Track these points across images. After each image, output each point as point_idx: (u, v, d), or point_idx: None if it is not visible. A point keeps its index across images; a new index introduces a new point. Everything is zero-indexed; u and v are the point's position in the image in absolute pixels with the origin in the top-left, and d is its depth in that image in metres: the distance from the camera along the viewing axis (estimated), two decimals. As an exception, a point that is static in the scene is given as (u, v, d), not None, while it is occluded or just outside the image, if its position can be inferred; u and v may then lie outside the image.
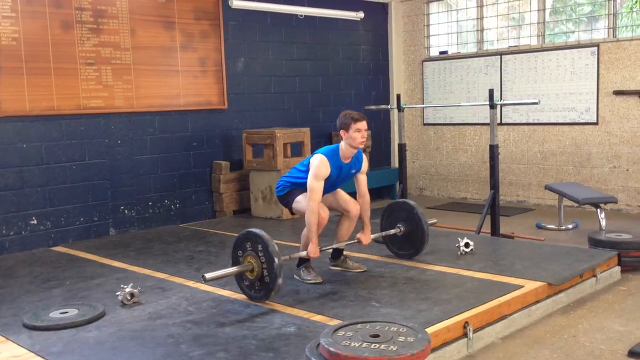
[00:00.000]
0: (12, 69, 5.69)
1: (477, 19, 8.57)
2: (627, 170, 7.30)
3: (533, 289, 4.04)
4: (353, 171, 4.41)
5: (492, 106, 5.82)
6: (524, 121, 8.07)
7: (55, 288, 4.48)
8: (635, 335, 3.60)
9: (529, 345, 3.55)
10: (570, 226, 6.53)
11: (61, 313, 3.78)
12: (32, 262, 5.32)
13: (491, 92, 5.86)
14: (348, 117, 4.24)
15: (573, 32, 8.04)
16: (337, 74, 8.50)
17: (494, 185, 5.83)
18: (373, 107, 7.51)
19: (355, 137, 4.22)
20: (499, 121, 7.79)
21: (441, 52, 8.94)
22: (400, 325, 2.95)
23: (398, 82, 9.17)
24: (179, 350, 3.24)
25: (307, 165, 4.28)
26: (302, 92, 8.04)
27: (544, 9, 7.99)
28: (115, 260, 5.23)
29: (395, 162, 9.02)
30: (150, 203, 6.69)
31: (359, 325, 2.98)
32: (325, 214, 4.21)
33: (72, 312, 3.78)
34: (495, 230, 5.83)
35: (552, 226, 6.55)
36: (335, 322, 3.45)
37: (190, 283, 4.48)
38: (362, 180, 4.49)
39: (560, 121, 7.75)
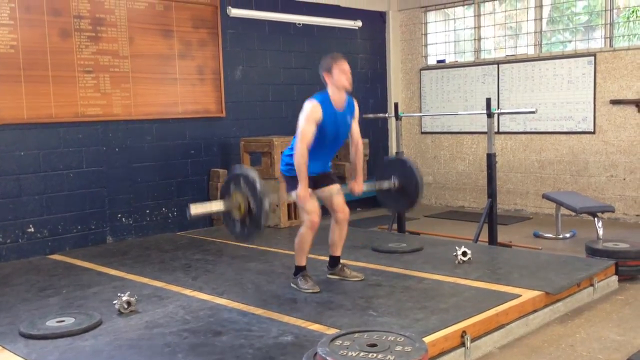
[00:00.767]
0: (10, 76, 5.69)
1: (475, 28, 8.60)
2: (624, 179, 7.32)
3: (530, 298, 4.04)
4: (349, 118, 4.36)
5: (490, 115, 5.83)
6: (521, 130, 8.09)
7: (52, 296, 4.46)
8: (632, 345, 3.59)
9: (526, 354, 3.54)
10: (567, 235, 6.53)
11: (58, 322, 3.76)
12: (29, 270, 5.30)
13: (488, 101, 5.88)
14: (329, 59, 4.24)
15: (570, 41, 8.08)
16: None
17: (492, 193, 5.84)
18: (371, 115, 7.52)
19: (340, 77, 4.20)
20: (496, 130, 7.80)
21: (439, 61, 8.97)
22: (398, 335, 2.95)
23: (396, 91, 9.20)
24: (176, 360, 3.23)
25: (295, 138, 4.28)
26: (300, 101, 7.90)
27: (541, 19, 8.03)
28: (112, 269, 5.22)
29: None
30: (147, 211, 6.69)
31: (356, 335, 2.97)
32: (319, 218, 4.21)
33: (68, 321, 3.76)
34: (492, 239, 5.83)
35: (550, 235, 6.56)
36: (332, 331, 3.43)
37: (188, 291, 4.47)
38: (354, 127, 4.44)
39: (557, 130, 7.77)
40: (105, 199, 6.36)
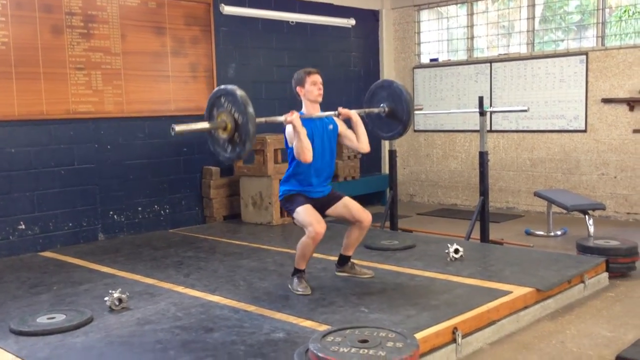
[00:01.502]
0: (1, 73, 5.66)
1: (468, 26, 8.62)
2: (615, 177, 7.35)
3: (521, 294, 4.06)
4: (330, 127, 4.34)
5: (482, 113, 5.86)
6: (513, 128, 8.11)
7: (43, 293, 4.44)
8: (622, 341, 3.62)
9: (517, 350, 3.56)
10: (559, 232, 6.56)
11: (48, 318, 3.75)
12: (20, 268, 5.28)
13: (481, 99, 5.90)
14: (301, 72, 4.25)
15: (562, 40, 8.11)
16: (328, 80, 8.40)
17: (484, 191, 5.86)
18: (363, 113, 7.51)
19: (312, 90, 4.22)
20: (488, 128, 7.80)
21: (432, 60, 8.99)
22: (389, 331, 2.96)
23: (389, 89, 9.19)
24: (167, 356, 3.23)
25: (290, 152, 4.23)
26: (293, 99, 7.93)
27: (534, 18, 8.06)
28: (104, 266, 5.20)
29: (385, 169, 9.02)
30: (139, 208, 6.67)
31: (347, 331, 2.98)
32: (322, 229, 4.07)
33: (59, 318, 3.75)
34: (484, 237, 5.85)
35: (541, 232, 6.59)
36: (324, 328, 3.44)
37: (179, 288, 4.46)
38: (349, 131, 4.42)
39: (549, 128, 7.81)
40: (96, 196, 6.34)
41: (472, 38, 8.63)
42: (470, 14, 8.57)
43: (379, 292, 4.21)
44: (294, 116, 4.06)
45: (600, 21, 7.46)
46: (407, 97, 4.80)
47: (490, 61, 8.28)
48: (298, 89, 4.29)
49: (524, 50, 8.12)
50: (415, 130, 9.12)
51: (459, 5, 8.72)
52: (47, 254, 5.81)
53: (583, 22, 8.03)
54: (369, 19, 9.06)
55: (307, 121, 4.20)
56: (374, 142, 9.15)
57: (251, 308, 3.96)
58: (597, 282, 4.69)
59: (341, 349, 2.75)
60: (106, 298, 4.01)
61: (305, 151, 4.01)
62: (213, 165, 7.20)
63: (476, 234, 5.87)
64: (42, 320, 3.73)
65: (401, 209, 7.45)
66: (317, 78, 4.26)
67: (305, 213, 4.14)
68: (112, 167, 6.45)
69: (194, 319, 3.78)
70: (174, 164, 6.96)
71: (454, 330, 3.49)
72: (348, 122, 4.46)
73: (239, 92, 3.78)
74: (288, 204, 4.29)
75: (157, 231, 6.72)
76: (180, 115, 6.94)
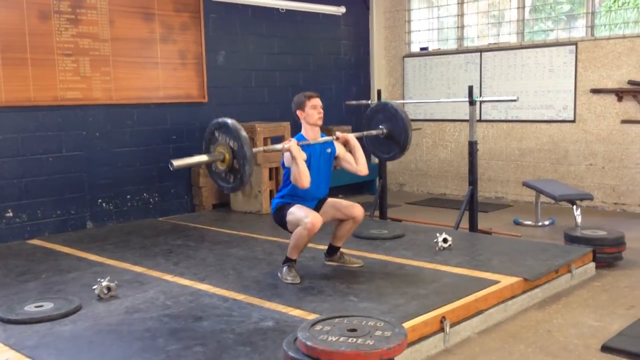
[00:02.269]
0: (-12, 59, 5.60)
1: (458, 15, 8.61)
2: (603, 168, 7.40)
3: (509, 284, 4.09)
4: (329, 150, 4.37)
5: (472, 103, 5.86)
6: (502, 118, 8.14)
7: (31, 281, 4.42)
8: (608, 331, 3.66)
9: (504, 340, 3.59)
10: (546, 222, 6.61)
11: (36, 307, 3.73)
12: (8, 255, 5.24)
13: (470, 88, 5.90)
14: (302, 96, 4.30)
15: (552, 30, 8.12)
16: (317, 68, 8.49)
17: (473, 181, 5.87)
18: (354, 102, 7.52)
19: (312, 113, 4.24)
20: (478, 118, 7.83)
21: (422, 48, 8.97)
22: (378, 320, 2.97)
23: (379, 78, 9.19)
24: (156, 345, 3.22)
25: (286, 172, 4.26)
26: (282, 87, 8.02)
27: (524, 7, 8.06)
28: (92, 254, 5.18)
29: (375, 158, 9.03)
30: (128, 196, 6.64)
31: (336, 320, 2.99)
32: (319, 222, 4.09)
33: (47, 306, 3.74)
34: (473, 226, 5.88)
35: (529, 222, 6.63)
36: (313, 317, 3.45)
37: (168, 277, 4.45)
38: (348, 154, 4.45)
39: (538, 119, 7.83)
40: (85, 184, 6.30)
41: (462, 27, 8.62)
42: (461, 3, 8.55)
43: (367, 281, 4.22)
44: (291, 143, 4.09)
45: (590, 11, 7.48)
46: (403, 117, 4.84)
47: (480, 50, 8.28)
48: (298, 112, 4.31)
49: (513, 39, 8.13)
50: (405, 119, 9.10)
51: (449, -6, 8.69)
52: (35, 241, 5.78)
53: (573, 12, 8.04)
54: (360, 7, 9.03)
55: (306, 147, 4.23)
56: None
57: (240, 297, 3.96)
58: (584, 272, 4.73)
59: (330, 338, 2.76)
60: (95, 286, 3.99)
61: (303, 177, 4.05)
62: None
63: (465, 223, 5.89)
64: (30, 308, 3.72)
65: (390, 198, 7.46)
66: (317, 102, 4.28)
67: (296, 210, 4.16)
68: (101, 155, 6.41)
69: (182, 307, 3.78)
70: (163, 151, 6.92)
71: (442, 319, 3.51)
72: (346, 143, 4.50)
73: (231, 122, 3.90)
74: (280, 213, 4.28)
75: (146, 219, 6.70)
76: (169, 102, 6.90)
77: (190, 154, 7.03)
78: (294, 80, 8.16)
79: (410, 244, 5.24)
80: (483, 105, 8.16)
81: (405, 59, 9.03)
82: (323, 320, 3.00)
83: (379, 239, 5.43)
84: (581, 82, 7.46)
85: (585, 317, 3.92)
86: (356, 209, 4.34)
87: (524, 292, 4.16)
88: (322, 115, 4.29)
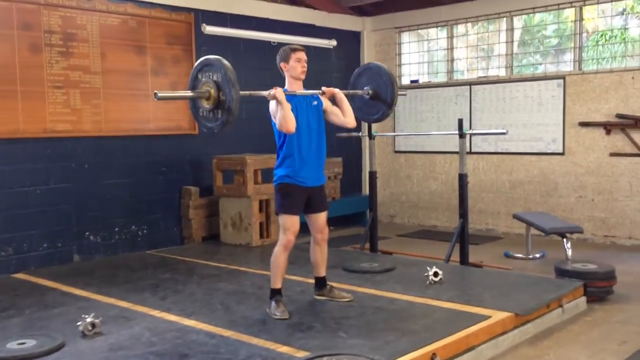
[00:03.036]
0: (-23, 91, 5.58)
1: (448, 49, 8.71)
2: (593, 200, 7.42)
3: (500, 319, 4.04)
4: (315, 103, 4.33)
5: (462, 135, 5.88)
6: (492, 150, 8.17)
7: (14, 317, 4.33)
8: (600, 367, 3.61)
9: (496, 377, 3.54)
10: (537, 255, 6.59)
11: (19, 344, 3.65)
12: (-8, 290, 5.16)
13: (460, 121, 5.93)
14: (287, 49, 4.28)
15: (540, 64, 8.21)
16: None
17: (463, 214, 5.86)
18: (344, 134, 7.52)
19: (295, 66, 4.23)
20: (468, 150, 7.86)
21: (412, 81, 9.05)
22: (367, 358, 2.92)
23: (369, 110, 9.22)
24: (140, 384, 3.15)
25: (276, 133, 4.22)
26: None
27: (512, 41, 8.16)
28: (78, 288, 5.10)
29: (366, 190, 9.03)
30: (116, 229, 6.57)
31: (325, 358, 2.94)
32: (294, 236, 4.20)
33: (30, 343, 3.66)
34: (464, 259, 5.85)
35: (520, 255, 6.60)
36: (302, 354, 3.40)
37: (155, 312, 4.38)
38: (334, 107, 4.41)
39: (528, 151, 7.87)
40: (72, 217, 6.24)
41: (452, 60, 8.72)
42: (450, 37, 8.66)
43: (357, 316, 4.17)
44: (277, 90, 4.08)
45: (578, 45, 7.58)
46: (386, 72, 4.89)
47: (470, 84, 8.36)
48: (282, 64, 4.30)
49: (502, 73, 8.21)
50: (395, 151, 9.15)
51: (439, 28, 8.81)
52: (21, 275, 5.69)
53: (561, 46, 8.15)
54: (351, 40, 9.12)
55: (291, 97, 4.19)
56: (355, 163, 9.20)
57: (228, 333, 3.89)
58: (575, 307, 4.69)
59: (318, 378, 2.71)
60: (79, 323, 3.91)
61: (288, 121, 4.02)
62: (192, 186, 7.14)
63: (456, 256, 5.86)
64: (12, 345, 3.63)
65: (381, 230, 7.43)
66: (302, 55, 4.27)
67: (287, 219, 4.19)
68: (89, 187, 6.36)
69: (168, 344, 3.71)
70: (153, 183, 6.88)
71: (433, 356, 3.46)
72: (333, 100, 4.47)
73: (213, 57, 3.87)
74: (279, 197, 4.26)
75: (134, 252, 6.62)
76: (159, 134, 6.89)
77: (181, 186, 7.12)
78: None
79: (401, 278, 5.20)
80: (473, 138, 8.20)
81: (395, 91, 9.08)
82: (312, 358, 2.96)
83: (370, 272, 5.39)
84: (570, 115, 7.52)
85: (577, 353, 3.88)
86: (320, 229, 4.40)
87: (515, 327, 4.12)
88: (305, 69, 4.27)
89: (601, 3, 7.39)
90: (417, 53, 9.11)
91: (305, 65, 4.29)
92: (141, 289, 5.04)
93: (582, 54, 7.65)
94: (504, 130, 6.07)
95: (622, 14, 7.73)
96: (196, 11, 7.18)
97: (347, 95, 4.60)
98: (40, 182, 6.02)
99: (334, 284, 4.65)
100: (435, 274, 4.96)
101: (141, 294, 4.90)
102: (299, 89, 4.31)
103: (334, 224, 8.24)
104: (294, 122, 4.06)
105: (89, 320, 3.89)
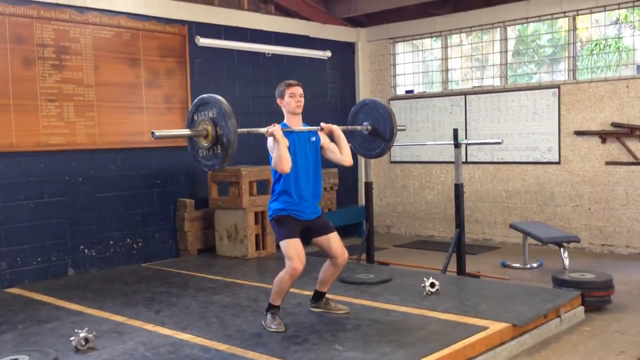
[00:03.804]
0: (-30, 104, 5.56)
1: (442, 59, 8.72)
2: (589, 209, 7.41)
3: (498, 330, 4.01)
4: (313, 139, 4.32)
5: (457, 145, 5.87)
6: (488, 160, 8.16)
7: (7, 332, 4.29)
8: (599, 378, 3.58)
9: (494, 389, 3.50)
10: (535, 265, 6.56)
11: (11, 360, 3.61)
12: (-16, 305, 5.10)
13: (455, 131, 5.92)
14: (282, 85, 4.30)
15: (535, 73, 8.23)
16: (304, 111, 8.45)
17: (460, 224, 5.84)
18: (347, 130, 7.50)
19: (290, 102, 4.25)
20: (464, 159, 7.86)
21: (407, 91, 9.05)
22: (363, 372, 2.88)
23: (365, 121, 9.22)
24: (133, 400, 3.11)
25: (275, 170, 4.17)
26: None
27: (507, 51, 8.18)
28: (72, 303, 5.05)
29: (362, 200, 8.99)
30: (111, 242, 6.53)
31: (320, 372, 2.90)
32: (302, 265, 4.04)
33: (22, 359, 3.61)
34: (461, 269, 5.82)
35: (517, 265, 6.58)
36: (297, 368, 3.36)
37: (149, 326, 4.33)
38: (332, 144, 4.38)
39: (523, 160, 7.86)
40: (67, 230, 6.19)
41: (446, 70, 8.73)
42: (445, 47, 8.68)
43: (354, 328, 4.13)
44: (275, 128, 4.07)
45: (572, 55, 7.59)
46: (382, 105, 4.88)
47: (465, 93, 8.36)
48: (279, 101, 4.34)
49: (497, 83, 8.22)
50: (391, 162, 9.13)
51: (433, 38, 8.82)
52: (14, 290, 5.64)
53: (555, 56, 8.17)
54: (345, 51, 9.13)
55: (289, 134, 4.18)
56: (351, 173, 9.18)
57: (223, 347, 3.85)
58: (573, 316, 4.66)
59: (313, 392, 2.67)
60: (72, 338, 3.87)
61: (283, 161, 4.00)
62: (187, 198, 7.10)
63: (453, 266, 5.83)
64: (4, 362, 3.59)
65: (378, 241, 7.41)
66: (296, 90, 4.28)
67: (289, 246, 4.09)
68: (84, 200, 6.32)
69: (162, 359, 3.66)
70: (148, 196, 6.85)
71: (430, 368, 3.42)
72: (331, 137, 4.45)
73: (206, 95, 3.86)
74: (277, 228, 4.22)
75: (129, 265, 6.57)
76: (154, 147, 6.86)
77: (176, 199, 7.08)
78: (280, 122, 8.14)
79: (397, 289, 5.16)
80: (469, 147, 8.20)
81: (391, 101, 9.09)
82: (306, 372, 2.91)
83: (366, 283, 5.35)
84: (565, 125, 7.53)
85: (575, 363, 3.84)
86: (340, 251, 4.29)
87: (513, 338, 4.09)
88: (300, 103, 4.28)
89: (594, 13, 7.42)
90: (412, 63, 9.12)
91: (301, 99, 4.29)
92: (135, 303, 4.99)
93: (577, 63, 7.67)
94: (500, 140, 6.06)
95: (616, 23, 7.76)
96: (190, 23, 7.17)
97: (345, 132, 4.60)
98: (34, 195, 5.98)
99: (330, 296, 4.61)
100: (432, 285, 4.93)
101: (135, 307, 4.85)
102: (298, 123, 4.31)
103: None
104: (290, 163, 4.04)
105: (82, 335, 3.84)
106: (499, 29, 8.16)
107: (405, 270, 6.14)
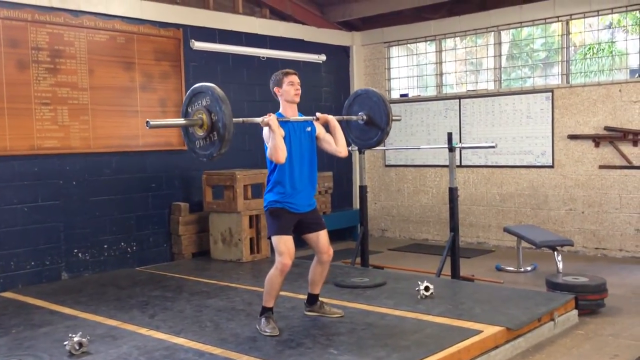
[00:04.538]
0: (-36, 108, 5.54)
1: (437, 63, 8.74)
2: (583, 212, 7.44)
3: (492, 334, 4.02)
4: (308, 129, 4.29)
5: (451, 149, 5.89)
6: (482, 163, 8.19)
7: (0, 337, 4.27)
8: (593, 381, 3.59)
9: (488, 392, 3.50)
10: (529, 268, 6.58)
11: (4, 365, 3.60)
12: (-22, 309, 5.08)
13: (450, 135, 5.94)
14: (279, 73, 4.26)
15: (529, 77, 8.26)
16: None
17: (454, 227, 5.85)
18: (343, 120, 7.50)
19: (289, 90, 4.20)
20: (458, 163, 7.89)
21: (402, 95, 9.08)
22: (357, 376, 2.89)
23: (360, 124, 9.23)
24: (127, 405, 3.10)
25: (270, 161, 4.15)
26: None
27: (500, 55, 8.21)
28: (66, 307, 5.03)
29: (356, 204, 9.00)
30: (105, 246, 6.51)
31: (314, 376, 2.90)
32: (291, 260, 4.08)
33: (15, 364, 3.61)
34: (455, 273, 5.83)
35: (511, 268, 6.59)
36: (291, 372, 3.36)
37: (143, 330, 4.32)
38: (327, 135, 4.36)
39: (517, 164, 7.89)
40: (60, 234, 6.17)
41: (441, 74, 8.75)
42: (439, 51, 8.70)
43: (348, 332, 4.13)
44: (271, 117, 4.04)
45: (565, 59, 7.63)
46: (375, 93, 4.82)
47: (459, 97, 8.39)
48: (275, 89, 4.28)
49: (491, 86, 8.25)
50: (386, 165, 9.15)
51: (428, 42, 8.85)
52: (8, 294, 5.61)
53: (549, 60, 8.20)
54: (340, 55, 9.15)
55: (284, 123, 4.16)
56: (345, 177, 9.19)
57: (217, 351, 3.85)
58: (567, 320, 4.68)
59: (307, 396, 2.67)
60: (66, 342, 3.86)
61: (279, 151, 3.98)
62: (182, 201, 7.10)
63: (447, 269, 5.84)
64: (-3, 366, 3.58)
65: (373, 244, 7.42)
66: (295, 79, 4.25)
67: (280, 242, 4.11)
68: (78, 204, 6.31)
69: (157, 363, 3.66)
70: (142, 200, 6.84)
71: (424, 372, 3.43)
72: (327, 128, 4.44)
73: (198, 85, 3.83)
74: (270, 220, 4.22)
75: (124, 269, 6.56)
76: (148, 150, 6.86)
77: (170, 202, 7.07)
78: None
79: (391, 293, 5.17)
80: (463, 151, 8.22)
81: (385, 105, 9.10)
82: (301, 376, 2.91)
83: (360, 287, 5.35)
84: (558, 128, 7.56)
85: (569, 367, 3.86)
86: (325, 248, 4.32)
87: (507, 341, 4.10)
88: (299, 92, 4.25)
89: (588, 17, 7.46)
90: (407, 67, 9.15)
91: (299, 88, 4.26)
92: (129, 307, 4.98)
93: (570, 68, 7.70)
94: (494, 144, 6.08)
95: (609, 27, 7.80)
96: (185, 27, 7.18)
97: (341, 123, 4.58)
98: (28, 199, 5.96)
99: (325, 300, 4.61)
100: (427, 289, 4.93)
101: (129, 311, 4.84)
102: (294, 113, 4.28)
103: (325, 238, 8.20)
104: (285, 153, 4.03)
105: (76, 339, 3.83)
106: (493, 33, 8.19)
107: (400, 274, 6.14)
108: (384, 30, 9.03)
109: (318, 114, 4.40)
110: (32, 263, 5.98)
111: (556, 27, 7.79)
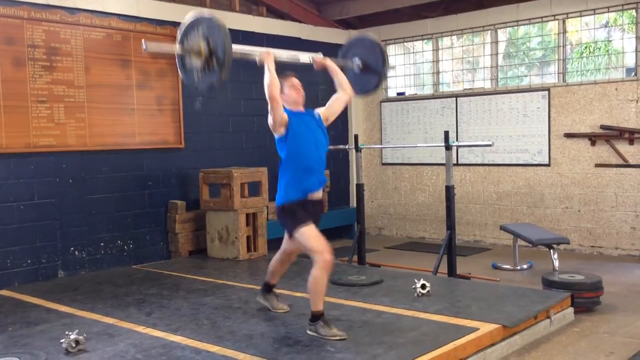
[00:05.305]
0: (-41, 105, 5.52)
1: (433, 61, 8.75)
2: (579, 211, 7.45)
3: (488, 331, 4.03)
4: (316, 118, 4.28)
5: (448, 148, 5.90)
6: (479, 162, 8.20)
7: (-4, 335, 4.27)
8: (588, 378, 3.60)
9: (484, 390, 3.51)
10: (525, 266, 6.60)
11: (0, 362, 3.60)
12: (-26, 307, 5.07)
13: (446, 134, 5.95)
14: (279, 78, 4.20)
15: (525, 76, 8.28)
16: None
17: (451, 225, 5.86)
18: (331, 147, 7.49)
19: (291, 94, 4.19)
20: (455, 161, 7.90)
21: (399, 93, 9.08)
22: (354, 373, 2.89)
23: (356, 122, 9.25)
24: (124, 402, 3.10)
25: (280, 140, 4.11)
26: (260, 132, 8.00)
27: (497, 54, 8.22)
28: (62, 305, 5.02)
29: (353, 202, 9.01)
30: (102, 244, 6.50)
31: (311, 373, 2.90)
32: (330, 255, 3.95)
33: (11, 362, 3.60)
34: (452, 271, 5.84)
35: (508, 266, 6.61)
36: (288, 369, 3.36)
37: (140, 328, 4.32)
38: (329, 101, 4.37)
39: (514, 162, 7.91)
40: (57, 232, 6.17)
41: (437, 73, 8.76)
42: (436, 50, 8.71)
43: (345, 330, 4.12)
44: (269, 55, 4.09)
45: (562, 58, 7.65)
46: (367, 37, 4.88)
47: (456, 96, 8.40)
48: (280, 96, 4.23)
49: (488, 85, 8.26)
50: (383, 164, 9.16)
51: (424, 40, 8.86)
52: (4, 292, 5.60)
53: (545, 59, 8.22)
54: (337, 53, 9.10)
55: (290, 112, 4.12)
56: (342, 175, 9.19)
57: (214, 348, 3.85)
58: (563, 317, 4.69)
59: (304, 393, 2.67)
60: (62, 340, 3.85)
61: (273, 87, 3.99)
62: (179, 200, 7.09)
63: (444, 268, 5.85)
64: (-7, 364, 3.57)
65: (369, 243, 7.42)
66: (295, 81, 4.23)
67: (311, 236, 3.97)
68: (74, 202, 6.30)
69: (153, 361, 3.66)
70: (139, 198, 6.83)
71: (421, 369, 3.44)
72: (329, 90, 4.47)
73: (211, 15, 3.82)
74: (288, 219, 4.07)
75: (120, 267, 6.55)
76: (145, 148, 6.85)
77: (167, 200, 7.06)
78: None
79: (388, 290, 5.17)
80: (460, 150, 8.23)
81: (382, 103, 9.12)
82: (297, 373, 2.91)
83: (357, 285, 5.36)
84: (555, 127, 7.57)
85: (565, 364, 3.87)
86: (293, 256, 4.44)
87: (503, 339, 4.11)
88: (303, 95, 4.22)
89: (584, 16, 7.47)
90: (403, 65, 9.15)
91: (300, 89, 4.22)
92: (126, 305, 4.98)
93: (567, 66, 7.72)
94: (490, 142, 6.09)
95: (606, 26, 7.82)
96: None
97: (340, 64, 4.56)
98: (24, 197, 5.95)
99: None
100: (423, 287, 4.94)
101: (126, 309, 4.84)
102: (300, 110, 4.26)
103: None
104: (278, 87, 4.02)
105: (72, 337, 3.83)
106: (489, 31, 8.20)
107: (397, 272, 6.15)
108: (380, 28, 9.03)
109: (313, 56, 4.32)
110: (29, 261, 5.97)
111: (553, 26, 7.80)
